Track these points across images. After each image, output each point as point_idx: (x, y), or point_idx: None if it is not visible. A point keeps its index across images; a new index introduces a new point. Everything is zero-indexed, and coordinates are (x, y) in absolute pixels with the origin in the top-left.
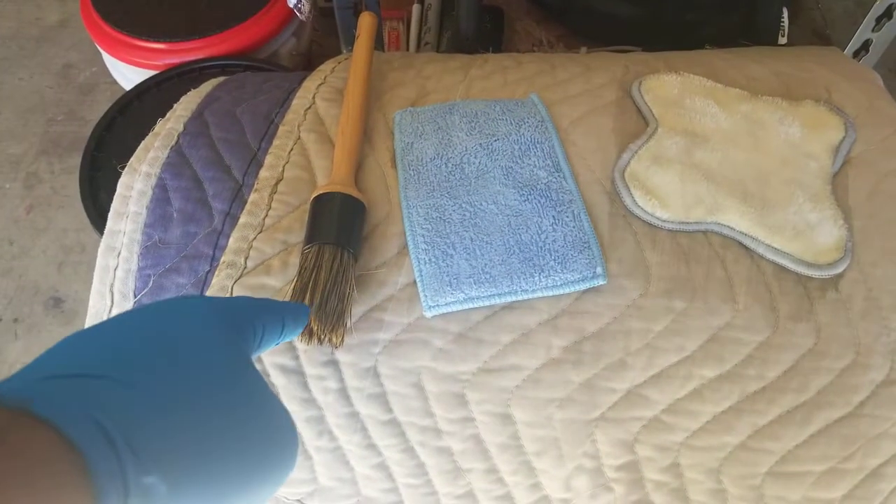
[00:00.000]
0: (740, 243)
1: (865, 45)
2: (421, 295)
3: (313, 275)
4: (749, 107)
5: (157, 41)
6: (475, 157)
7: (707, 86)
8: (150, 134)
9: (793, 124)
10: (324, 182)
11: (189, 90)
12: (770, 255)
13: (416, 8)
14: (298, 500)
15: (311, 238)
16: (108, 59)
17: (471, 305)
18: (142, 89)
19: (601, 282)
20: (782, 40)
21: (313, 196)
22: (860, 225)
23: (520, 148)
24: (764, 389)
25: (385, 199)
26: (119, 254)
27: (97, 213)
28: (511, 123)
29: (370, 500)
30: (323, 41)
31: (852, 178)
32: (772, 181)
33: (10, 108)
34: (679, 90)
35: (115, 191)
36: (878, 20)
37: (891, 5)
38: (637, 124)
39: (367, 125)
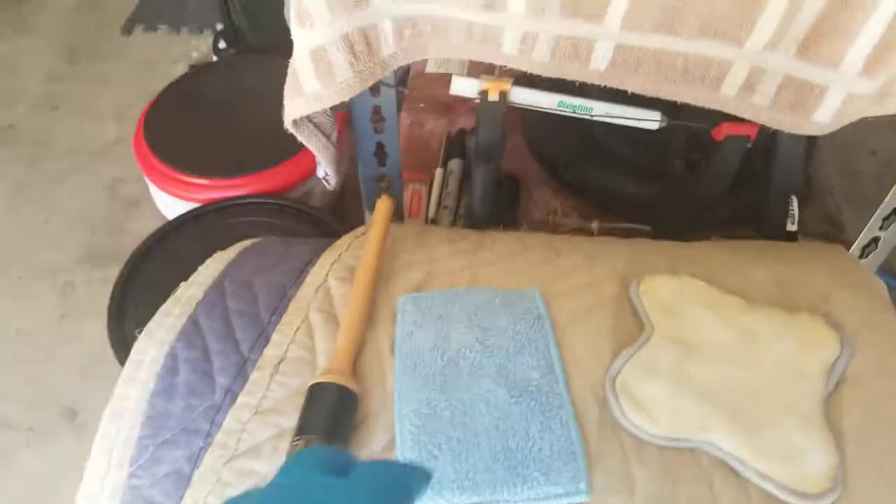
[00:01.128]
0: (729, 465)
1: (875, 241)
2: None
3: None
4: (747, 319)
5: (200, 177)
6: (470, 353)
7: (706, 294)
8: (172, 297)
9: (788, 339)
10: (324, 365)
11: (223, 224)
12: (756, 480)
13: (438, 172)
14: None
15: (301, 430)
16: (152, 187)
17: None
18: (180, 221)
19: (584, 498)
20: (792, 227)
21: (310, 384)
22: (853, 451)
23: (515, 345)
24: None
25: (379, 388)
26: (125, 420)
27: (121, 341)
28: (509, 318)
29: None
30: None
31: (847, 400)
32: (764, 401)
33: (58, 217)
34: (677, 296)
35: (141, 320)
36: (885, 220)
37: None
38: (633, 326)
39: (372, 309)
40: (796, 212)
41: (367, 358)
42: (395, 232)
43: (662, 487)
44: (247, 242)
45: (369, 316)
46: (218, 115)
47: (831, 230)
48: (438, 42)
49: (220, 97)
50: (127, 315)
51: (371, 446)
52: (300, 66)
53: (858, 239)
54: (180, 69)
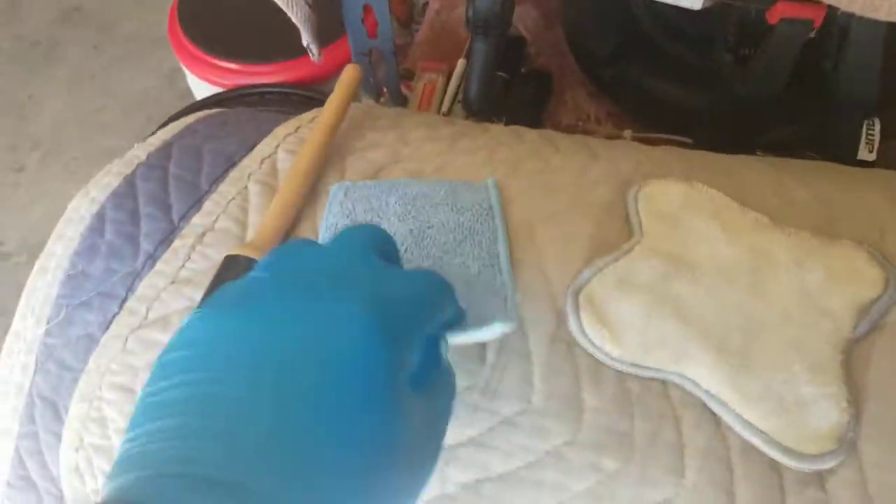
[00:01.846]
0: (707, 407)
1: None
2: None
3: None
4: (763, 238)
5: (229, 60)
6: (402, 246)
7: (719, 203)
8: (119, 158)
9: (814, 269)
10: (250, 239)
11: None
12: (739, 428)
13: (460, 63)
14: None
15: (204, 302)
16: (186, 71)
17: None
18: (201, 104)
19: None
20: (870, 155)
21: (225, 255)
22: (873, 411)
23: (454, 238)
24: None
25: None
26: (47, 277)
27: None
28: (452, 211)
29: None
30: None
31: (879, 350)
32: (764, 336)
33: (116, 104)
34: (682, 204)
35: None
36: None
37: None
38: (620, 234)
39: (316, 187)
40: (877, 136)
41: (297, 236)
42: (372, 111)
43: (615, 420)
44: (212, 111)
45: (308, 191)
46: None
47: None
48: None
49: None
50: None
51: None
52: None
53: None
54: None
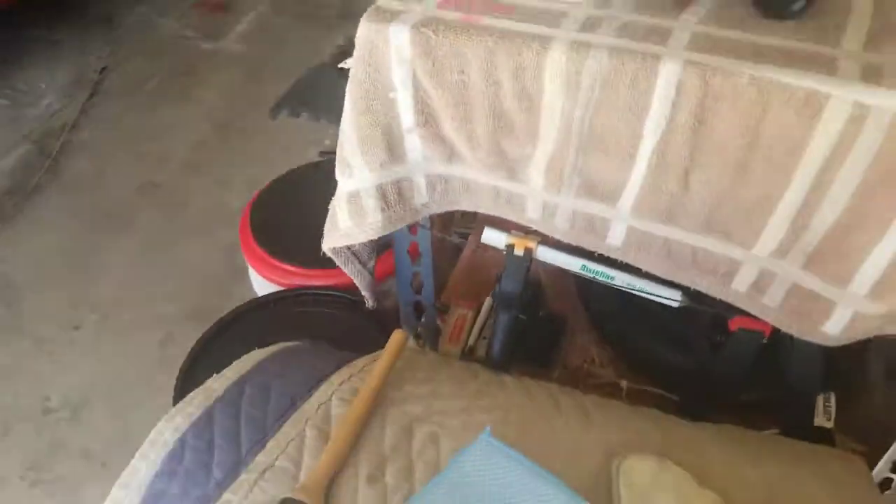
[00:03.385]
0: None
1: None
2: None
3: None
4: None
5: (286, 262)
6: None
7: (680, 483)
8: (200, 388)
9: None
10: (304, 480)
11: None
12: None
13: (487, 301)
14: None
15: None
16: (248, 266)
17: None
18: (262, 301)
19: None
20: (827, 423)
21: (282, 497)
22: None
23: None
24: None
25: None
26: (130, 492)
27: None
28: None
29: None
30: None
31: None
32: None
33: (177, 271)
34: (651, 479)
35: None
36: None
37: None
38: (605, 499)
39: (362, 433)
40: (833, 408)
41: (342, 480)
42: (412, 359)
43: None
44: (282, 345)
45: (355, 439)
46: (316, 209)
47: (874, 429)
48: (469, 199)
49: (323, 191)
50: (195, 379)
51: None
52: (338, 205)
53: (888, 454)
54: (312, 153)
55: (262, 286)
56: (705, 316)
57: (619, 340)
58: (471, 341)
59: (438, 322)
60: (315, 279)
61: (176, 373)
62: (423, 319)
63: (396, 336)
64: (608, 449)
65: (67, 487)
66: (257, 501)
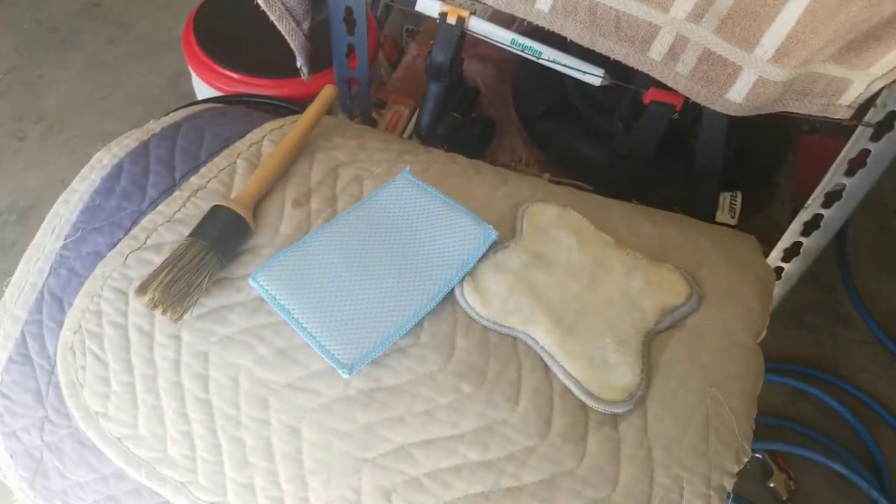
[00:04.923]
0: (542, 359)
1: (797, 246)
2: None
3: (176, 260)
4: (605, 253)
5: (233, 70)
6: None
7: (579, 224)
8: (138, 128)
9: (638, 277)
10: (234, 195)
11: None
12: (561, 376)
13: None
14: (118, 438)
15: (192, 234)
16: (192, 74)
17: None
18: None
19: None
20: (731, 220)
21: (213, 204)
22: (660, 382)
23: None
24: (515, 489)
25: (272, 230)
26: (70, 206)
27: None
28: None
29: (172, 460)
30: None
31: (674, 342)
32: (588, 316)
33: (121, 94)
34: (553, 220)
35: None
36: (806, 227)
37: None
38: (507, 236)
39: (289, 167)
40: (738, 206)
41: (269, 202)
42: (342, 123)
43: (476, 358)
44: (214, 105)
45: (282, 172)
46: (262, 17)
47: (776, 238)
48: None
49: None
50: None
51: (250, 269)
52: None
53: (780, 242)
54: None
55: (203, 93)
56: (623, 102)
57: (546, 140)
58: (405, 135)
59: (374, 115)
60: (258, 88)
61: None
62: (355, 100)
63: (327, 89)
64: (518, 200)
65: None
66: (189, 214)
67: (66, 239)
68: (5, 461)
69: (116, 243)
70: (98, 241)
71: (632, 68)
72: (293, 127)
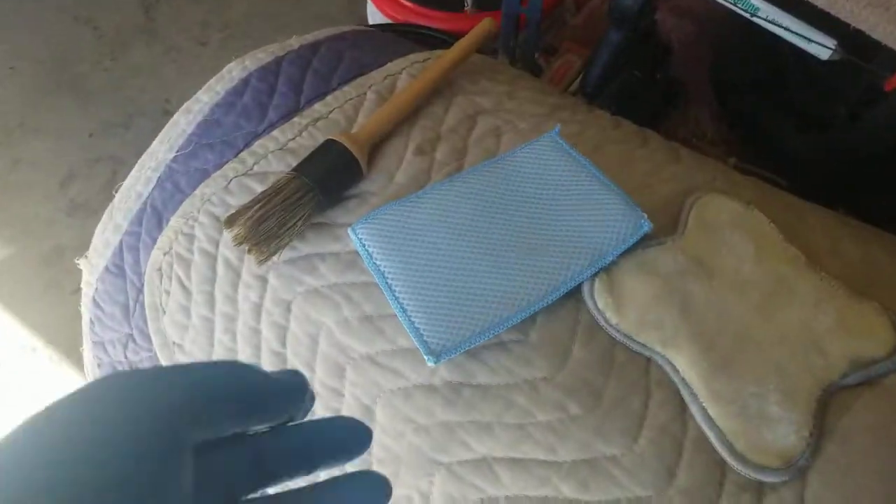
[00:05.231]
0: (679, 393)
1: None
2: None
3: (272, 195)
4: (790, 271)
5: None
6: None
7: (763, 229)
8: (280, 43)
9: (829, 312)
10: (352, 131)
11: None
12: (699, 419)
13: None
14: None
15: (296, 168)
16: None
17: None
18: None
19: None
20: None
21: (327, 139)
22: (832, 453)
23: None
24: None
25: (387, 176)
26: (189, 116)
27: None
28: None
29: None
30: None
31: (862, 402)
32: (751, 349)
33: (302, 11)
34: (729, 218)
35: None
36: None
37: None
38: (665, 229)
39: (421, 107)
40: None
41: (389, 145)
42: (495, 65)
43: (593, 374)
44: (361, 27)
45: (412, 111)
46: None
47: None
48: None
49: None
50: None
51: (354, 218)
52: None
53: None
54: None
55: (376, 19)
56: (851, 87)
57: (741, 117)
58: (571, 89)
59: (541, 61)
60: (429, 20)
61: None
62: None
63: (484, 23)
64: (690, 186)
65: None
66: (303, 144)
67: (177, 151)
68: (93, 370)
69: (223, 164)
70: (208, 157)
71: (874, 44)
72: (435, 61)
